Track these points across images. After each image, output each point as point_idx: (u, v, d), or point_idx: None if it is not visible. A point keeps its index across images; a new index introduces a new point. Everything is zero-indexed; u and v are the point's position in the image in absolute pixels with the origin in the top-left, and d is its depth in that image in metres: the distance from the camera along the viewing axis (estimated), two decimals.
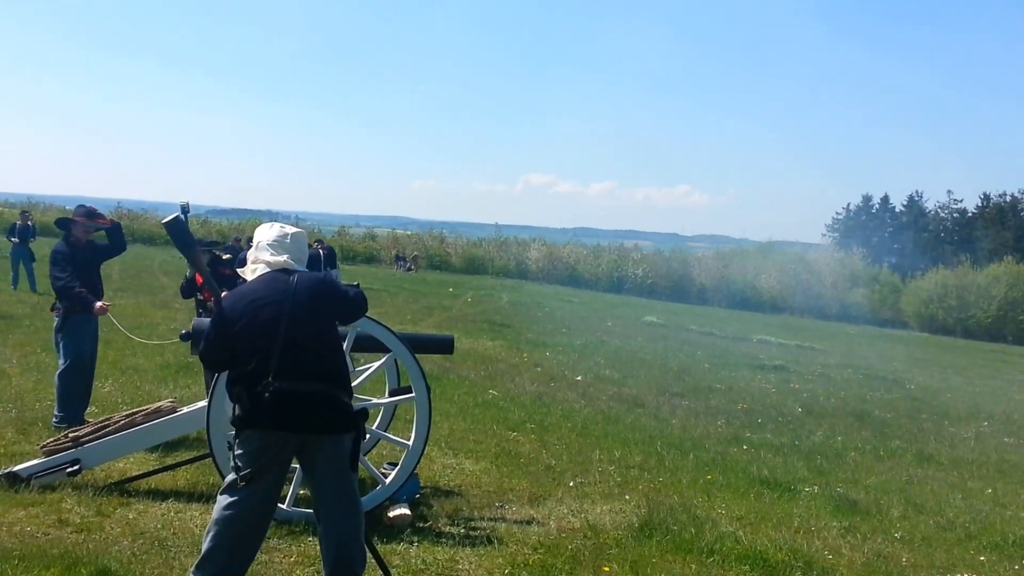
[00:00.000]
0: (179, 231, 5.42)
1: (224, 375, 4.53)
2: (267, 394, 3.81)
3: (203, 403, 5.74)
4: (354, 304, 4.30)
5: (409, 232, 65.12)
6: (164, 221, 5.48)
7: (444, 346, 6.67)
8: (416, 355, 5.63)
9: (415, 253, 53.01)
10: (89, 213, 7.64)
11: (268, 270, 4.12)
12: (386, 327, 5.64)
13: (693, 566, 5.17)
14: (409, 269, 47.85)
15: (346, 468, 4.01)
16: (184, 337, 5.66)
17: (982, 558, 5.97)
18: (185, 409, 6.04)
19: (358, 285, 4.70)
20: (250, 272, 4.19)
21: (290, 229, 4.28)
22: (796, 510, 6.77)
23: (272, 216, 65.83)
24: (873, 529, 6.44)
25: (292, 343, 3.89)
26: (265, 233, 4.26)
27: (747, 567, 5.23)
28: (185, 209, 5.95)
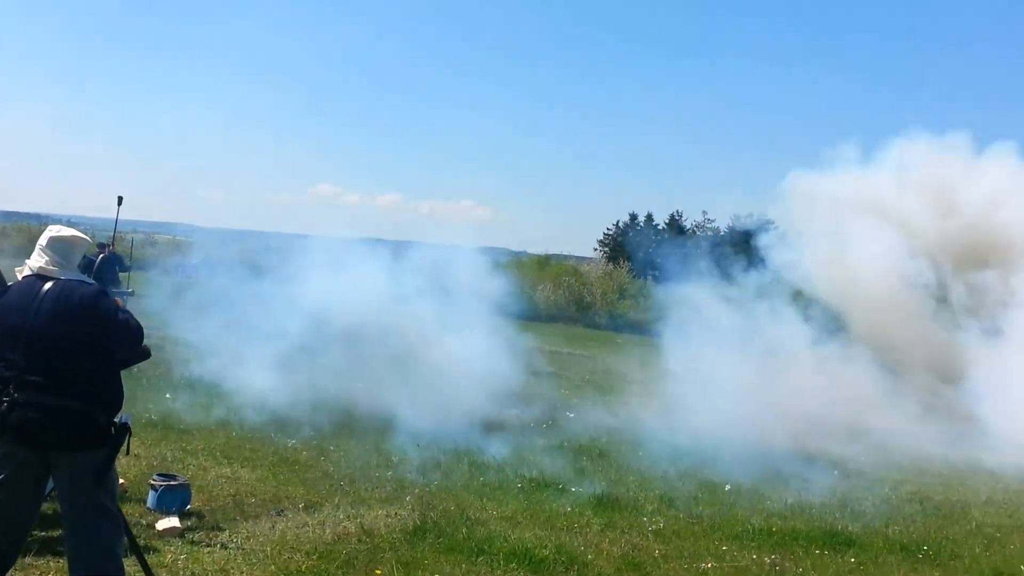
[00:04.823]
0: None
1: None
2: (11, 410, 3.62)
3: None
4: (121, 329, 3.92)
5: (192, 239, 61.97)
6: None
7: None
8: None
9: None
10: None
11: (29, 274, 3.92)
12: None
13: (463, 565, 5.37)
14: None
15: (91, 484, 3.78)
16: None
17: (724, 548, 6.53)
18: None
19: (132, 292, 4.54)
20: (20, 277, 3.97)
21: (66, 232, 4.02)
22: (562, 508, 7.16)
23: (40, 220, 60.64)
24: (631, 525, 6.90)
25: (35, 354, 3.69)
26: (42, 236, 4.02)
27: (514, 564, 5.50)
28: None
